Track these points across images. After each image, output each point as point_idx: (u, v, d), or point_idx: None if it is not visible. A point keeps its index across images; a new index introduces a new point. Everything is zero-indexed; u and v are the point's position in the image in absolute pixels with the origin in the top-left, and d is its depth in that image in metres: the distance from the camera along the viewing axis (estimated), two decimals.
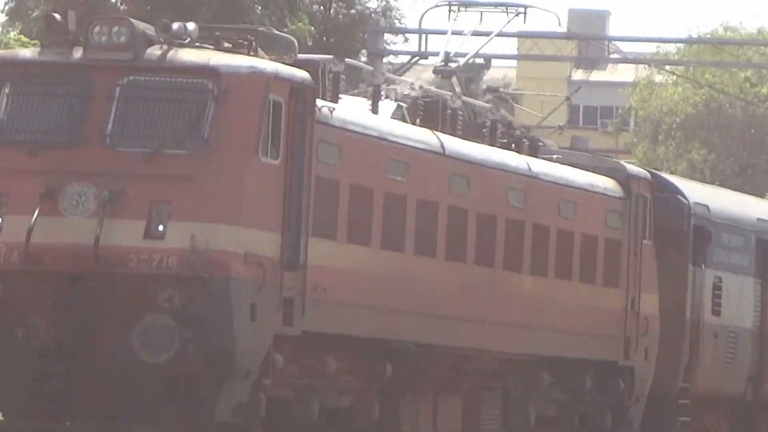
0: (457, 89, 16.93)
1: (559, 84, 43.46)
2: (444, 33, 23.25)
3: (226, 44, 11.81)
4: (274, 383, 11.34)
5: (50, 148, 10.64)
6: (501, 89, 28.45)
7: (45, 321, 10.21)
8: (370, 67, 17.02)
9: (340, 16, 30.11)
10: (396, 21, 31.55)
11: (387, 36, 29.88)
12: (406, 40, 30.17)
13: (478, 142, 15.79)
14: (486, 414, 15.64)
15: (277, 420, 11.92)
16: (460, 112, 15.96)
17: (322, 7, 28.54)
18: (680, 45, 41.16)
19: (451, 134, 15.12)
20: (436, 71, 18.60)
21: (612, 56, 34.36)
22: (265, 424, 11.54)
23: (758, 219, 20.95)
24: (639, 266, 17.98)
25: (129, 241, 10.19)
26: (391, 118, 14.63)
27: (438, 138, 14.53)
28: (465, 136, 15.55)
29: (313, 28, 27.81)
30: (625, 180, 18.25)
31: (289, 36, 13.61)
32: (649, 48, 41.43)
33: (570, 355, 16.85)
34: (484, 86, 28.95)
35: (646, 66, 44.07)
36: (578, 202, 17.17)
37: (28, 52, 13.12)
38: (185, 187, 10.53)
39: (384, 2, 30.41)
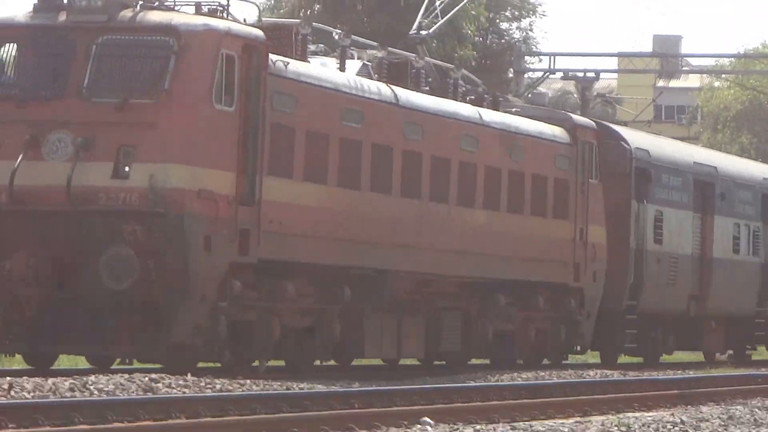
0: (427, 58, 18.98)
1: (647, 90, 54.66)
2: (568, 54, 36.91)
3: (204, 8, 13.14)
4: (235, 307, 12.63)
5: (35, 100, 12.06)
6: (606, 95, 42.22)
7: (26, 254, 11.51)
8: (338, 31, 18.05)
9: (494, 44, 38.51)
10: (533, 46, 40.00)
11: (527, 57, 37.55)
12: (540, 60, 37.18)
13: (447, 98, 17.76)
14: (447, 332, 17.18)
15: (242, 340, 13.27)
16: (423, 71, 17.78)
17: (480, 38, 36.79)
18: (732, 59, 54.53)
19: (415, 90, 16.91)
20: (409, 38, 21.68)
21: (684, 69, 43.65)
22: (229, 345, 12.78)
23: (695, 162, 23.69)
24: (586, 202, 19.91)
25: (99, 181, 11.56)
26: (357, 75, 15.94)
27: (392, 90, 16.02)
28: (432, 92, 17.58)
29: (475, 53, 34.99)
30: (571, 128, 20.13)
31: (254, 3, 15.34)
32: (710, 61, 54.80)
33: (523, 278, 18.59)
34: (595, 93, 36.68)
35: (708, 75, 59.13)
36: (528, 147, 18.94)
37: (21, 17, 13.66)
38: (148, 132, 11.89)
39: (525, 33, 39.27)
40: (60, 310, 11.80)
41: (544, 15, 41.97)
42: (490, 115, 18.37)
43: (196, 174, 11.91)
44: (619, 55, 42.80)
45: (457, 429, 7.47)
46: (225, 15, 13.38)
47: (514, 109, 20.08)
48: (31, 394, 8.01)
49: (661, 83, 53.76)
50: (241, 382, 10.67)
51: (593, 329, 20.05)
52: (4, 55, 12.64)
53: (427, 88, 17.68)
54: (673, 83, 53.64)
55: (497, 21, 38.93)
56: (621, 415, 10.23)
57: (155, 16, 12.43)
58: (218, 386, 10.15)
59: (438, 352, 17.58)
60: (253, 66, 12.72)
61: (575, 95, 34.84)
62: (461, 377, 15.78)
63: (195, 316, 11.96)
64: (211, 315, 12.12)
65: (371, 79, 16.26)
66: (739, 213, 24.37)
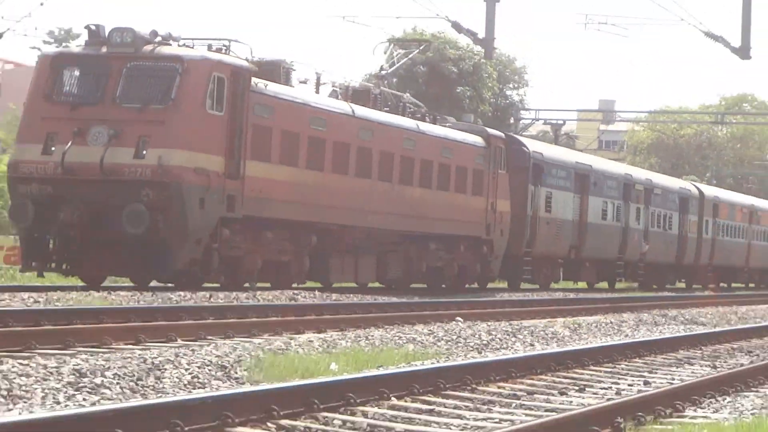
0: (383, 88, 25.50)
1: (594, 131, 73.00)
2: (547, 109, 54.93)
3: (215, 48, 18.50)
4: (225, 247, 17.88)
5: (83, 105, 17.33)
6: (569, 133, 58.99)
7: (73, 207, 16.30)
8: (318, 67, 23.72)
9: (502, 103, 54.07)
10: (525, 104, 57.78)
11: (521, 111, 56.48)
12: (529, 112, 56.22)
13: (399, 114, 24.32)
14: (392, 266, 23.74)
15: (234, 270, 18.69)
16: (379, 96, 24.07)
17: (494, 98, 51.60)
18: (647, 113, 74.78)
19: (372, 108, 23.05)
20: (378, 75, 28.19)
21: (617, 119, 74.95)
22: (223, 272, 18.27)
23: (576, 162, 33.01)
24: (496, 185, 27.05)
25: (124, 160, 16.48)
26: (328, 97, 22.06)
27: (350, 106, 21.87)
28: (390, 111, 24.13)
29: (490, 108, 50.56)
30: (486, 137, 27.36)
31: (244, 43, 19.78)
32: (632, 115, 76.95)
33: (449, 233, 25.47)
34: (563, 132, 50.72)
35: (631, 122, 77.36)
36: (454, 148, 25.70)
37: (75, 49, 21.75)
38: (159, 127, 16.87)
39: (521, 97, 57.61)
40: (96, 247, 17.14)
41: (531, 87, 65.76)
42: (425, 126, 25.01)
43: (193, 156, 16.87)
44: (578, 110, 66.91)
45: (476, 324, 13.97)
46: (227, 51, 18.79)
47: (448, 124, 27.16)
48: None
49: (602, 127, 73.47)
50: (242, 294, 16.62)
51: (500, 266, 27.86)
52: (64, 75, 17.91)
53: (387, 108, 24.14)
54: (611, 127, 76.95)
55: (504, 89, 55.25)
56: (575, 318, 16.99)
57: (167, 50, 17.57)
58: (221, 298, 15.77)
59: (386, 279, 24.41)
60: (239, 85, 17.75)
61: (550, 133, 48.70)
62: (461, 295, 23.86)
63: (192, 253, 17.14)
64: (205, 252, 17.39)
65: (337, 99, 22.24)
66: (607, 195, 33.65)
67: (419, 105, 26.56)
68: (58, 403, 5.58)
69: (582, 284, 35.07)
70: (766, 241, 47.30)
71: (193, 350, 8.71)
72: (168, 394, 6.54)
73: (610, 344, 11.94)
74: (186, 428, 4.48)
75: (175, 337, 10.25)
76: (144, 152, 16.46)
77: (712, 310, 23.05)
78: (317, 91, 21.95)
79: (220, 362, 8.06)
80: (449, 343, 11.76)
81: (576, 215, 31.43)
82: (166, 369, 7.31)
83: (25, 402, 5.54)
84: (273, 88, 19.10)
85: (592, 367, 9.49)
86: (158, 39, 17.43)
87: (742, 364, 10.77)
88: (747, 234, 44.92)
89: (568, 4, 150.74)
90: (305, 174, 19.82)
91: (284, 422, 5.28)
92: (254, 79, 18.27)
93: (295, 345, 10.03)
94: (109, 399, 5.91)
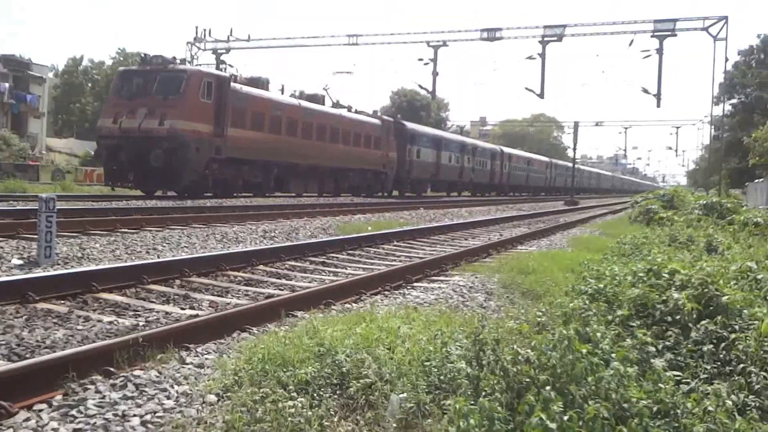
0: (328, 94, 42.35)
1: None
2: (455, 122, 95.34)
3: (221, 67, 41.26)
4: (216, 173, 28.96)
5: (134, 98, 27.52)
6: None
7: (126, 152, 26.67)
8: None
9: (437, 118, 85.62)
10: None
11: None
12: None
13: (335, 108, 41.33)
14: (326, 184, 38.71)
15: (225, 187, 30.02)
16: (324, 96, 41.26)
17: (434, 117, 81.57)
18: None
19: (319, 105, 38.70)
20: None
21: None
22: (215, 187, 29.44)
23: (434, 134, 55.07)
24: (387, 144, 44.29)
25: (153, 125, 26.48)
26: (290, 97, 36.93)
27: (299, 102, 36.34)
28: (334, 107, 41.52)
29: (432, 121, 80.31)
30: (381, 120, 45.17)
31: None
32: None
33: (359, 167, 41.15)
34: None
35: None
36: (363, 125, 41.90)
37: (133, 67, 32.86)
38: (172, 109, 26.75)
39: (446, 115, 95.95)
40: (138, 173, 27.33)
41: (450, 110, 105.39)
42: (346, 113, 41.47)
43: (190, 124, 27.18)
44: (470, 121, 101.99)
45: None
46: (225, 68, 40.37)
47: (363, 113, 44.38)
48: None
49: (481, 128, 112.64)
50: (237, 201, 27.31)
51: (391, 185, 46.37)
52: (125, 81, 28.67)
53: (331, 105, 41.50)
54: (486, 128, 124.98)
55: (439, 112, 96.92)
56: (339, 218, 23.20)
57: (180, 67, 29.45)
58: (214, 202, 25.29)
59: (322, 192, 38.51)
60: (222, 87, 29.02)
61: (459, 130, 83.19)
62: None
63: (193, 176, 27.76)
64: (202, 177, 28.26)
65: (301, 101, 36.93)
66: (451, 150, 55.80)
67: (339, 103, 43.10)
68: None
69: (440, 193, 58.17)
70: (535, 174, 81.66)
71: (312, 221, 19.52)
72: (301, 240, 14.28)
73: (489, 219, 24.65)
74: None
75: (302, 215, 21.55)
76: (164, 122, 26.54)
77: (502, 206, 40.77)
78: (282, 93, 36.82)
79: (322, 226, 18.09)
80: (416, 218, 23.85)
81: (434, 160, 51.99)
82: (299, 230, 16.52)
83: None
84: (247, 89, 31.48)
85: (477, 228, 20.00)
86: (177, 60, 30.19)
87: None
88: (526, 170, 77.86)
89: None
90: (267, 136, 32.08)
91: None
92: (234, 84, 30.46)
93: (354, 219, 21.42)
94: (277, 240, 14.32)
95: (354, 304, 7.50)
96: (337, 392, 4.24)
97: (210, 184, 29.33)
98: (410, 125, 50.28)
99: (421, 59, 45.72)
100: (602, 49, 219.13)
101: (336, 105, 42.83)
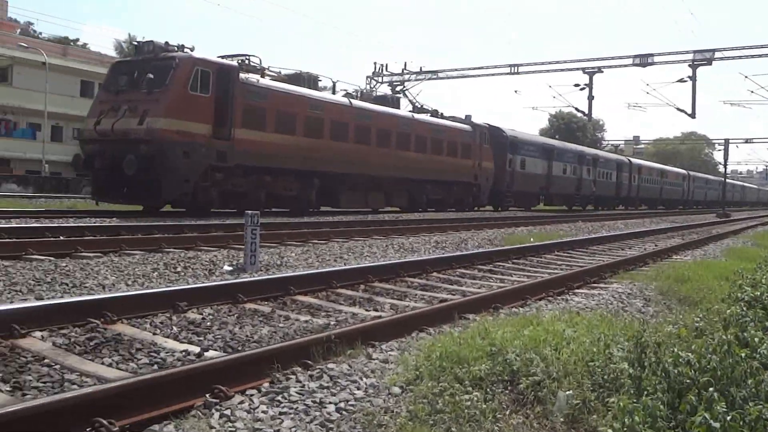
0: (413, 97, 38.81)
1: None
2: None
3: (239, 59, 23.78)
4: (223, 184, 21.68)
5: (120, 92, 20.93)
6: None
7: (100, 159, 20.21)
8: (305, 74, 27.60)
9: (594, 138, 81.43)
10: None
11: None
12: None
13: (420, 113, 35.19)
14: (396, 198, 30.87)
15: (240, 202, 22.03)
16: (398, 99, 35.97)
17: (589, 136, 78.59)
18: None
19: (387, 107, 31.00)
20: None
21: None
22: (226, 201, 22.18)
23: (543, 143, 46.33)
24: (481, 153, 36.58)
25: (130, 125, 19.72)
26: (343, 97, 28.89)
27: (348, 100, 28.68)
28: (411, 111, 35.21)
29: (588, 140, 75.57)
30: (472, 125, 36.62)
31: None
32: None
33: (443, 179, 33.54)
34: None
35: None
36: (444, 131, 33.96)
37: (124, 58, 29.12)
38: (155, 104, 19.82)
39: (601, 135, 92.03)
40: (111, 180, 20.11)
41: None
42: (419, 116, 33.14)
43: (174, 122, 20.01)
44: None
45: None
46: (248, 61, 24.07)
47: (450, 117, 36.40)
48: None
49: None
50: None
51: (488, 198, 38.21)
52: (115, 74, 22.09)
53: (411, 109, 36.03)
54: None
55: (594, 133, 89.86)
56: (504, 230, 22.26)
57: (170, 54, 21.12)
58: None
59: (389, 205, 30.66)
60: (226, 78, 21.58)
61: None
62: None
63: (179, 189, 20.33)
64: (202, 189, 20.97)
65: (353, 99, 29.19)
66: (566, 160, 46.90)
67: (426, 109, 37.15)
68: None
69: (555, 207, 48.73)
70: (670, 186, 70.22)
71: (478, 233, 19.25)
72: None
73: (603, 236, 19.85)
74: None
75: (470, 228, 21.14)
76: (144, 121, 19.73)
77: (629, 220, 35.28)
78: (333, 92, 28.88)
79: (488, 237, 17.78)
80: (575, 230, 23.34)
81: (545, 171, 44.03)
82: (467, 241, 16.51)
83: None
84: (265, 82, 23.89)
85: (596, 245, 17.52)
86: (170, 47, 21.61)
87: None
88: (659, 182, 66.80)
89: None
90: (301, 140, 24.54)
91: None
92: (247, 75, 22.84)
93: (517, 231, 20.97)
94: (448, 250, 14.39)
95: (520, 309, 7.42)
96: (508, 388, 4.22)
97: (215, 198, 21.68)
98: (510, 131, 41.21)
99: (577, 84, 44.18)
100: (751, 70, 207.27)
101: (418, 109, 36.14)
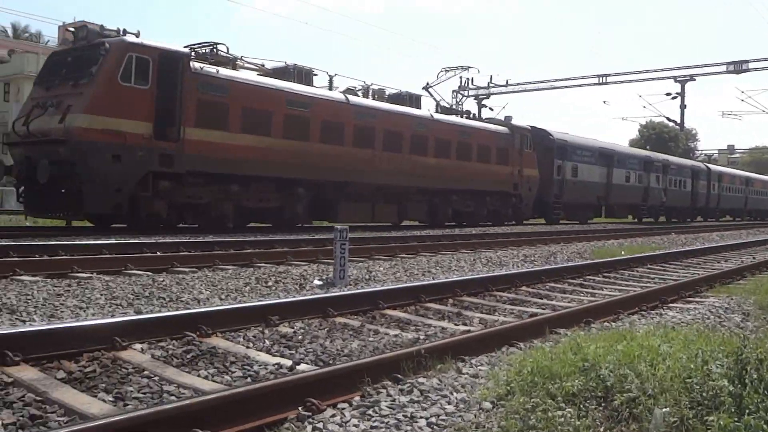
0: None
1: None
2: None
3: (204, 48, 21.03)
4: (173, 194, 18.36)
5: (50, 88, 18.06)
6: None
7: (17, 164, 17.77)
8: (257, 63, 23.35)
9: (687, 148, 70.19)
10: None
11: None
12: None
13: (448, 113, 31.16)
14: (414, 210, 27.18)
15: (201, 215, 19.52)
16: (419, 97, 28.62)
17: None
18: None
19: (400, 104, 26.71)
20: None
21: None
22: (180, 216, 19.17)
23: (601, 147, 40.52)
24: (521, 159, 32.15)
25: (48, 125, 16.90)
26: (342, 93, 24.48)
27: (345, 96, 24.15)
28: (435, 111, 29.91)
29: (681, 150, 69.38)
30: (510, 128, 32.32)
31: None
32: None
33: (471, 188, 29.41)
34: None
35: None
36: (473, 133, 29.62)
37: (57, 47, 26.20)
38: (79, 98, 16.88)
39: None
40: (27, 194, 17.79)
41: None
42: (438, 116, 28.54)
43: (99, 120, 16.92)
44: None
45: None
46: (215, 50, 20.93)
47: (484, 119, 34.52)
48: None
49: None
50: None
51: (531, 210, 34.10)
52: (49, 67, 19.06)
53: (435, 109, 30.47)
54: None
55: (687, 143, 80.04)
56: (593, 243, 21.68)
57: (101, 39, 18.01)
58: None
59: (404, 219, 27.07)
60: (171, 67, 18.26)
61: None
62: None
63: (109, 200, 17.20)
64: (145, 200, 17.85)
65: (356, 95, 25.03)
66: (629, 167, 42.56)
67: (453, 110, 33.22)
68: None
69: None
70: (757, 196, 65.37)
71: (567, 246, 19.14)
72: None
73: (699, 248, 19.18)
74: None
75: (558, 241, 20.74)
76: (66, 119, 16.85)
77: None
78: (330, 88, 24.64)
79: (578, 251, 17.41)
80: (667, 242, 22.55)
81: (602, 179, 39.59)
82: (556, 254, 16.10)
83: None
84: (227, 72, 20.09)
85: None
86: (106, 32, 18.55)
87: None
88: (743, 192, 61.89)
89: None
90: (278, 142, 21.04)
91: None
92: (203, 66, 19.32)
93: (607, 244, 20.59)
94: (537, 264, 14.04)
95: (612, 323, 7.23)
96: (602, 404, 4.09)
97: (164, 211, 18.31)
98: (559, 134, 36.86)
99: (668, 93, 43.07)
100: None
101: (447, 110, 31.40)
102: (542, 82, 48.13)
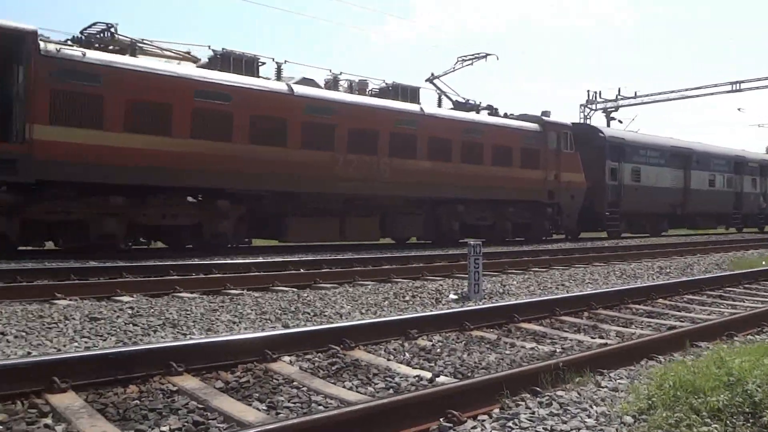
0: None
1: None
2: None
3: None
4: (28, 212, 14.46)
5: None
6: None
7: None
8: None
9: None
10: None
11: None
12: None
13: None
14: (406, 225, 22.07)
15: (78, 234, 15.41)
16: (418, 89, 23.16)
17: None
18: None
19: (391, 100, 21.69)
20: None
21: None
22: (39, 236, 15.35)
23: (672, 146, 33.60)
24: (558, 161, 25.90)
25: None
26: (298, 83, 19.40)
27: (293, 89, 18.72)
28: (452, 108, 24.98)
29: None
30: (542, 124, 25.90)
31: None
32: None
33: (483, 197, 23.43)
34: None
35: None
36: (485, 131, 23.57)
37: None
38: None
39: None
40: None
41: None
42: (432, 111, 22.65)
43: None
44: None
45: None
46: (109, 34, 16.95)
47: (506, 114, 26.03)
48: None
49: None
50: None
51: (576, 222, 27.61)
52: None
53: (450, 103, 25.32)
54: None
55: None
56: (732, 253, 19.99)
57: None
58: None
59: (395, 235, 22.40)
60: (6, 46, 14.30)
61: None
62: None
63: None
64: None
65: (301, 86, 19.18)
66: (713, 168, 35.76)
67: (478, 104, 25.89)
68: None
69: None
70: None
71: (704, 258, 18.02)
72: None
73: None
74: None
75: (695, 252, 19.11)
76: None
77: None
78: (256, 75, 19.04)
79: (716, 262, 16.55)
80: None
81: (677, 183, 33.17)
82: (693, 266, 14.51)
83: None
84: (96, 55, 15.53)
85: None
86: None
87: None
88: None
89: None
90: (179, 143, 16.42)
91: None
92: (59, 47, 14.86)
93: (746, 255, 19.34)
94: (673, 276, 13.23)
95: (757, 336, 6.80)
96: (750, 421, 3.85)
97: (15, 231, 14.38)
98: (611, 131, 31.21)
99: None
100: None
101: (460, 105, 25.26)
102: (672, 92, 46.08)
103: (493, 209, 24.21)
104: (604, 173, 28.91)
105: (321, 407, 4.33)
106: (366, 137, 19.99)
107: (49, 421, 3.87)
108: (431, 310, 8.36)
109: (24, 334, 6.34)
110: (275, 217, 18.82)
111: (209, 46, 19.29)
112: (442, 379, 5.08)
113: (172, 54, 18.33)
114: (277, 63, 19.57)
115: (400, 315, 7.65)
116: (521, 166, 24.62)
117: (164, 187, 16.29)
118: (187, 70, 17.19)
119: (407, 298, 9.64)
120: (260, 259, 14.37)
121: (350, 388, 4.81)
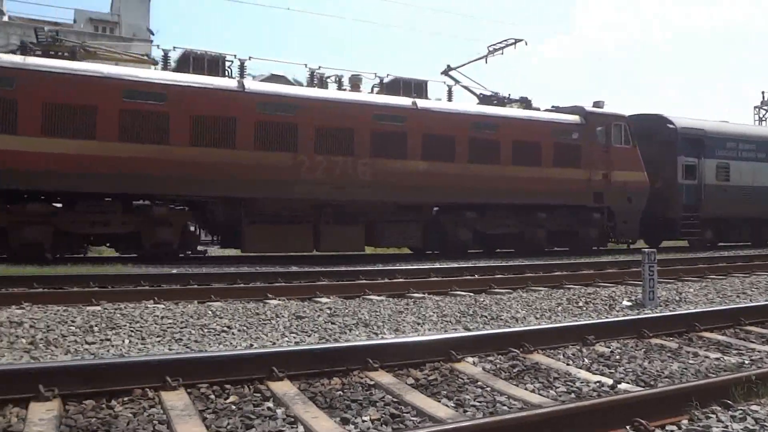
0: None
1: None
2: None
3: None
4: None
5: None
6: None
7: None
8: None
9: None
10: None
11: None
12: None
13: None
14: (396, 235, 18.64)
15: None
16: (424, 84, 19.88)
17: None
18: None
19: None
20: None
21: None
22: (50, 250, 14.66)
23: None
24: (609, 159, 21.40)
25: None
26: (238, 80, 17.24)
27: (243, 84, 16.85)
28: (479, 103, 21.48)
29: None
30: (584, 116, 21.44)
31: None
32: None
33: (525, 202, 19.98)
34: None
35: None
36: (500, 125, 19.70)
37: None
38: None
39: None
40: None
41: None
42: (427, 104, 19.16)
43: None
44: None
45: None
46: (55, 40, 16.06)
47: (543, 108, 22.02)
48: None
49: None
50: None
51: (637, 229, 22.38)
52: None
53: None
54: None
55: None
56: None
57: None
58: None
59: (385, 244, 19.02)
60: None
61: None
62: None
63: None
64: None
65: (255, 82, 17.35)
66: None
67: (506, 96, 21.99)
68: None
69: None
70: None
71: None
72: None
73: None
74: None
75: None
76: None
77: None
78: (211, 72, 17.27)
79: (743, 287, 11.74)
80: None
81: None
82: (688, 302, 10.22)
83: None
84: (44, 61, 14.83)
85: None
86: None
87: None
88: None
89: None
90: (68, 144, 14.80)
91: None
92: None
93: None
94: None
95: None
96: None
97: None
98: (684, 120, 24.63)
99: None
100: None
101: (484, 98, 21.62)
102: None
103: (519, 216, 20.31)
104: (676, 171, 23.75)
105: (505, 407, 4.31)
106: (338, 136, 17.43)
107: (270, 404, 4.16)
108: (607, 317, 8.08)
109: (245, 328, 6.87)
110: (228, 225, 16.92)
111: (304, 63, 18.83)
112: (623, 386, 4.90)
113: (129, 57, 17.32)
114: (240, 60, 17.63)
115: (577, 321, 7.46)
116: (554, 164, 20.51)
117: (97, 194, 15.21)
118: (115, 69, 15.85)
119: (580, 304, 9.37)
120: (437, 265, 14.57)
121: (532, 391, 4.75)
